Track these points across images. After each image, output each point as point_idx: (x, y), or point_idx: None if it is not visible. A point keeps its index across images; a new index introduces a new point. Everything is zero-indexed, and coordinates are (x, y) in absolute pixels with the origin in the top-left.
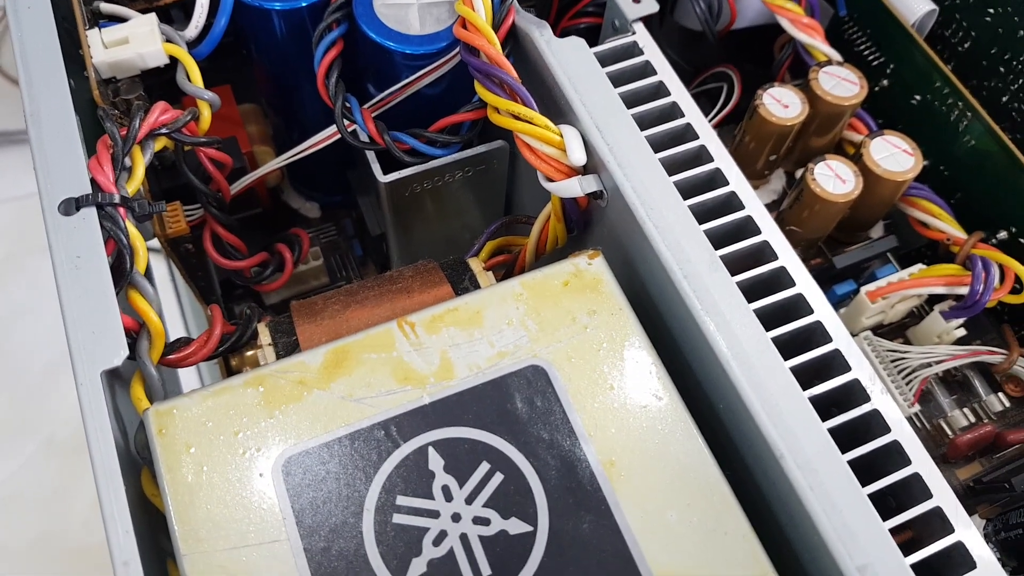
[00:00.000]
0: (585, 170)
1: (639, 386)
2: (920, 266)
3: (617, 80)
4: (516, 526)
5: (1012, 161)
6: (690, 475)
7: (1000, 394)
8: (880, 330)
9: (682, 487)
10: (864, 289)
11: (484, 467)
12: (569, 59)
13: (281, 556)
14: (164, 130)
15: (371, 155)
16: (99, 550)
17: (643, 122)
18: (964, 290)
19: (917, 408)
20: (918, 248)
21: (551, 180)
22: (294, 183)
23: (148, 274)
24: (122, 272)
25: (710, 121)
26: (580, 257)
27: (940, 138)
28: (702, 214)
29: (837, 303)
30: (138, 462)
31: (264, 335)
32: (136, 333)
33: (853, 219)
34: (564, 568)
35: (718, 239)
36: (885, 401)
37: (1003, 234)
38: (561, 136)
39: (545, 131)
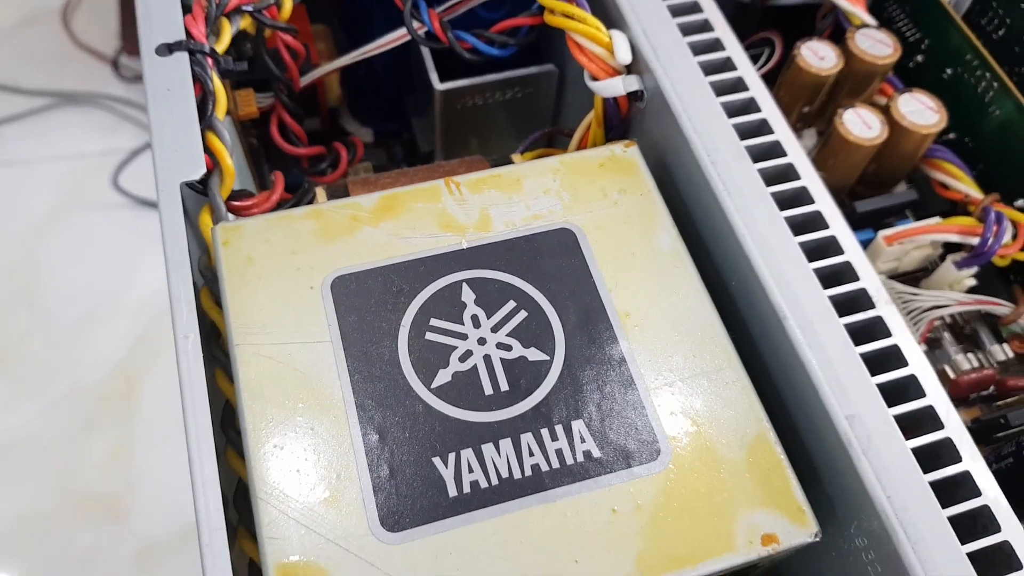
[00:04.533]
0: (629, 72)
1: (659, 255)
2: (937, 219)
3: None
4: (535, 355)
5: None
6: (698, 332)
7: (1004, 345)
8: (895, 278)
9: (689, 340)
10: (881, 234)
11: (511, 304)
12: None
13: (323, 354)
14: (250, 7)
15: (430, 63)
16: (111, 498)
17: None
18: (977, 241)
19: (923, 348)
20: (938, 212)
21: (596, 79)
22: (352, 108)
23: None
24: (204, 114)
25: None
26: (617, 144)
27: (968, 111)
28: (731, 115)
29: None
30: (198, 284)
31: (321, 196)
32: (210, 170)
33: (877, 174)
34: (574, 392)
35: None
36: (890, 311)
37: (1021, 202)
38: (609, 37)
39: (595, 31)
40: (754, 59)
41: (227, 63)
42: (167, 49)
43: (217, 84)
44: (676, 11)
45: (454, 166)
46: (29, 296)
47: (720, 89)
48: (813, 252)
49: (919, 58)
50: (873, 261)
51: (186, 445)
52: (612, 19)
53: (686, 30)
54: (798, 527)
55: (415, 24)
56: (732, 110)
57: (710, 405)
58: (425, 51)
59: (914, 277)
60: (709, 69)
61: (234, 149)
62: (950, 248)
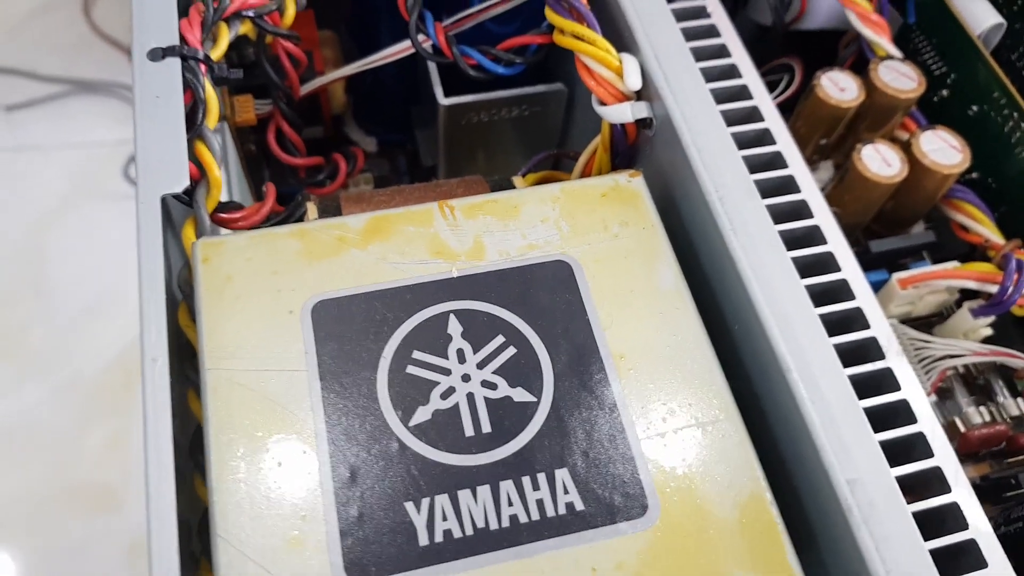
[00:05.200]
0: (639, 98)
1: (659, 295)
2: (955, 263)
3: (683, 34)
4: (521, 395)
5: None
6: (696, 380)
7: (1019, 399)
8: (907, 323)
9: (686, 388)
10: (895, 276)
11: (499, 339)
12: None
13: (297, 383)
14: (251, 12)
15: (435, 77)
16: (106, 489)
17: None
18: (995, 289)
19: (933, 399)
20: (956, 256)
21: (604, 104)
22: (357, 117)
23: (216, 135)
24: (193, 122)
25: None
26: (622, 174)
27: (993, 151)
28: (743, 147)
29: None
30: (177, 298)
31: (312, 212)
32: (196, 181)
33: (895, 212)
34: (561, 438)
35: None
36: (900, 362)
37: None
38: (620, 61)
39: (605, 54)
40: (772, 85)
41: (221, 70)
42: (160, 54)
43: (209, 92)
44: (691, 35)
45: (452, 186)
46: (35, 283)
47: (733, 119)
48: (822, 296)
49: (944, 93)
50: (885, 304)
51: (145, 477)
52: (624, 42)
53: (700, 55)
54: None
55: (420, 37)
56: (744, 141)
57: (704, 459)
58: (432, 64)
59: (928, 322)
60: (722, 97)
61: (228, 157)
62: (966, 294)
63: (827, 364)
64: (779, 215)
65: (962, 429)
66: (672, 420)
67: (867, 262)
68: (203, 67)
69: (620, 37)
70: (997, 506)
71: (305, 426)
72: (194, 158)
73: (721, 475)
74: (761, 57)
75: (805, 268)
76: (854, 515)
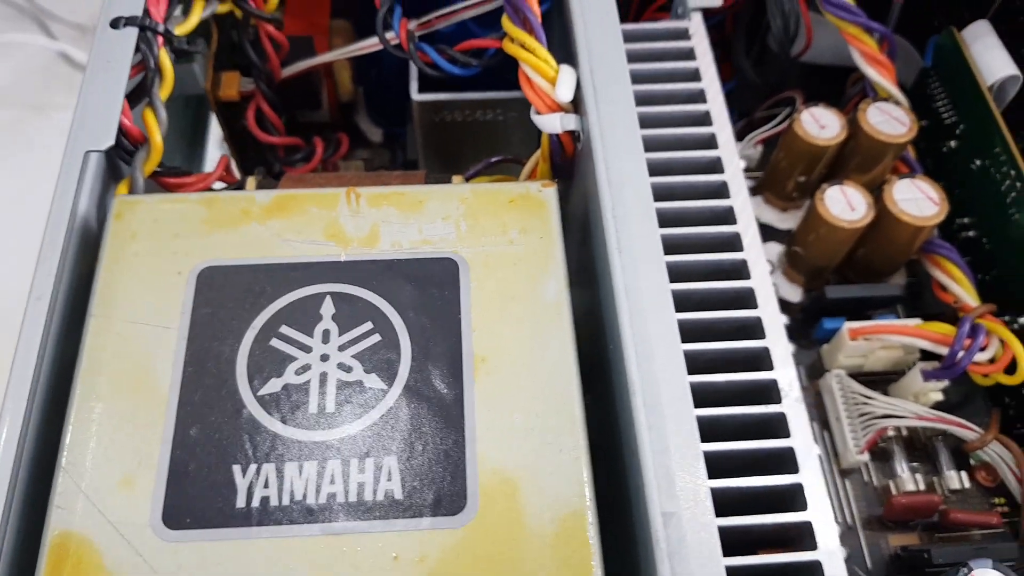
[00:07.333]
0: (577, 111)
1: (538, 305)
2: (917, 320)
3: (650, 55)
4: (373, 381)
5: None
6: (550, 393)
7: (963, 473)
8: (858, 377)
9: (538, 399)
10: (847, 325)
11: (367, 326)
12: (592, 10)
13: (167, 340)
14: None
15: (413, 72)
16: None
17: (661, 98)
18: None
19: (866, 458)
20: (932, 315)
21: (538, 113)
22: (369, 107)
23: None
24: (144, 91)
25: (755, 136)
26: (535, 183)
27: (991, 210)
28: (657, 170)
29: (822, 338)
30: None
31: (250, 185)
32: (139, 144)
33: (867, 260)
34: (398, 428)
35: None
36: (797, 409)
37: None
38: (556, 72)
39: (543, 63)
40: (772, 118)
41: (180, 43)
42: (121, 22)
43: (164, 63)
44: (650, 55)
45: (390, 178)
46: None
47: (654, 143)
48: (735, 332)
49: (952, 144)
50: (835, 354)
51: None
52: (571, 53)
53: (655, 76)
54: None
55: (389, 34)
56: (658, 167)
57: (535, 470)
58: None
59: (885, 379)
60: (649, 119)
61: (194, 130)
62: (929, 356)
63: (676, 398)
64: (704, 245)
65: (893, 493)
66: (514, 427)
67: (823, 308)
68: (160, 39)
69: (570, 53)
70: None
71: (162, 381)
72: (140, 123)
73: (548, 488)
74: (771, 84)
75: (722, 302)
76: (660, 548)
